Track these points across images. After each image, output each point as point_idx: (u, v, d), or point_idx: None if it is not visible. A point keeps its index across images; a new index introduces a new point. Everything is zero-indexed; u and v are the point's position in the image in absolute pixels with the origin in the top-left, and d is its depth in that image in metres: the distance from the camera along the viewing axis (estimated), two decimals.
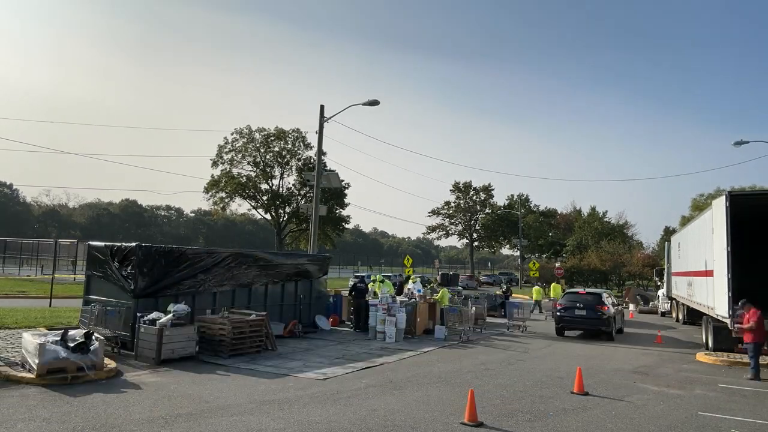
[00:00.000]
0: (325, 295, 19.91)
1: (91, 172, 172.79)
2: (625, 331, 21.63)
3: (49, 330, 12.04)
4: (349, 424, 7.64)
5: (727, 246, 13.67)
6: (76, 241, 41.40)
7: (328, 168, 46.56)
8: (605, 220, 68.66)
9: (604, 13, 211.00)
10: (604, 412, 8.82)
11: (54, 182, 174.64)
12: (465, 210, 76.91)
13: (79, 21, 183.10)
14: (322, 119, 24.44)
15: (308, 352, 13.71)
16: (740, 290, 13.76)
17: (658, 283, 35.51)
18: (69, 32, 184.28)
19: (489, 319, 22.51)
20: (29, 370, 9.54)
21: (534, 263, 47.89)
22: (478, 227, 77.83)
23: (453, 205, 77.02)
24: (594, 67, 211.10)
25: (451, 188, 77.08)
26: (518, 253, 69.34)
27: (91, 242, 15.03)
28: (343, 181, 53.37)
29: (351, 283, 20.99)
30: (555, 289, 30.91)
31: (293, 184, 56.29)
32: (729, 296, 13.67)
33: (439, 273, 54.56)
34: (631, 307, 34.08)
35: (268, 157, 55.04)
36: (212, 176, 54.44)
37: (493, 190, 76.74)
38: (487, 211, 77.34)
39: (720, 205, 14.32)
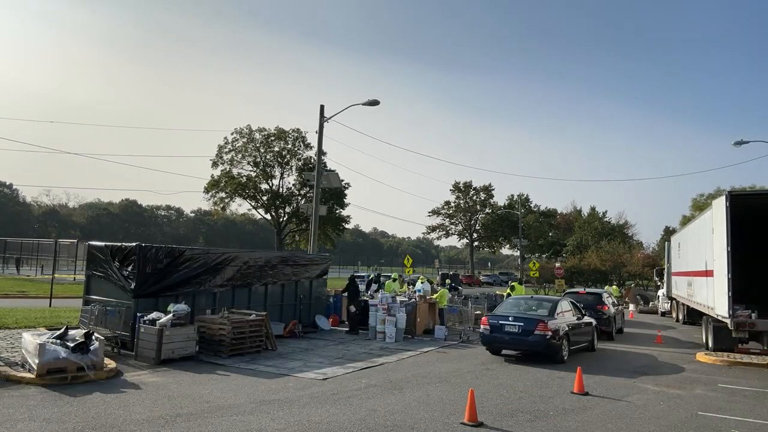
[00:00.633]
0: (325, 295, 19.91)
1: (91, 172, 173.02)
2: (625, 331, 21.62)
3: (49, 330, 12.04)
4: (349, 424, 7.64)
5: (727, 246, 13.67)
6: (76, 241, 41.42)
7: (328, 168, 46.57)
8: (605, 220, 68.69)
9: (604, 13, 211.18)
10: (604, 412, 8.82)
11: (54, 182, 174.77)
12: (465, 210, 76.96)
13: (79, 22, 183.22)
14: (322, 119, 24.44)
15: (308, 352, 13.71)
16: (740, 290, 13.77)
17: (658, 283, 35.52)
18: (69, 34, 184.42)
19: None
20: (29, 370, 9.54)
21: (534, 263, 47.88)
22: (478, 227, 77.89)
23: (453, 205, 77.07)
24: (594, 67, 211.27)
25: (451, 188, 77.21)
26: (518, 253, 69.33)
27: (91, 242, 15.03)
28: (343, 181, 53.40)
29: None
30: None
31: (293, 184, 56.35)
32: (729, 296, 13.67)
33: (439, 273, 54.59)
34: (631, 307, 34.09)
35: (268, 157, 55.06)
36: (212, 176, 54.50)
37: (493, 190, 76.88)
38: (487, 211, 77.43)
39: (720, 205, 14.32)
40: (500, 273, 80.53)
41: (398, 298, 18.88)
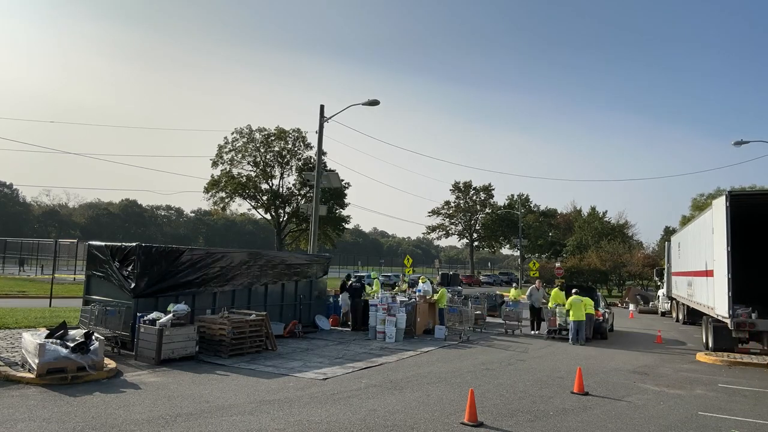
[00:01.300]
0: (325, 295, 19.91)
1: (91, 172, 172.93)
2: (625, 332, 21.62)
3: (48, 330, 12.04)
4: (349, 424, 7.63)
5: (728, 246, 13.68)
6: (76, 241, 41.43)
7: (328, 168, 46.55)
8: (605, 220, 68.61)
9: (603, 13, 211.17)
10: (604, 412, 8.82)
11: (54, 182, 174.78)
12: (465, 210, 76.95)
13: (80, 24, 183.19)
14: (322, 119, 24.43)
15: (308, 352, 13.71)
16: (740, 290, 13.77)
17: (658, 283, 35.52)
18: (70, 35, 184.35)
19: (489, 319, 22.51)
20: (29, 370, 9.54)
21: (534, 263, 47.85)
22: (478, 227, 77.89)
23: (453, 205, 77.06)
24: (594, 67, 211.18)
25: (451, 188, 77.21)
26: (518, 253, 69.30)
27: (91, 242, 15.02)
28: (343, 180, 53.40)
29: (352, 280, 20.90)
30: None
31: (293, 184, 56.37)
32: (729, 296, 13.68)
33: (439, 273, 54.57)
34: (631, 307, 34.08)
35: (268, 156, 55.07)
36: (212, 176, 54.52)
37: (493, 190, 76.88)
38: (487, 211, 77.43)
39: (720, 205, 14.32)
40: (500, 273, 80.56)
41: (398, 298, 18.88)
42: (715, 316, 15.31)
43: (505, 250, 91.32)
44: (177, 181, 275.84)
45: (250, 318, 13.23)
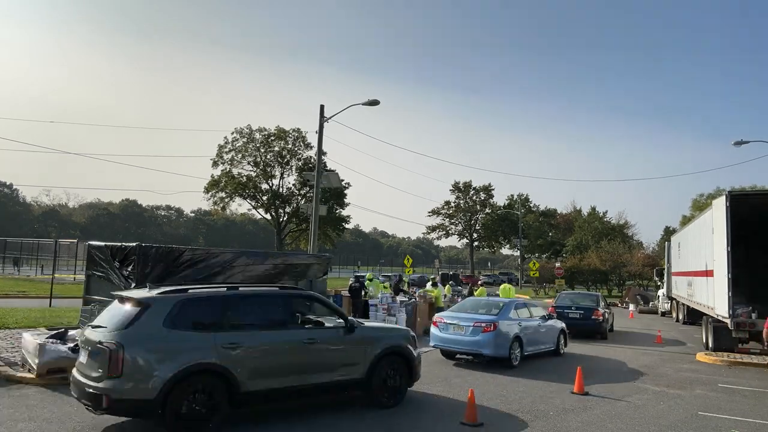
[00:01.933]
0: (326, 295, 19.88)
1: (91, 172, 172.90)
2: (625, 331, 21.62)
3: (49, 330, 12.03)
4: (349, 424, 7.64)
5: (728, 246, 13.68)
6: (76, 241, 41.42)
7: (328, 168, 46.55)
8: (605, 220, 68.65)
9: (603, 13, 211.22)
10: (604, 412, 8.82)
11: (54, 182, 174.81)
12: (465, 210, 76.93)
13: (80, 24, 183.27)
14: (322, 119, 24.43)
15: None
16: (740, 290, 13.77)
17: (658, 283, 35.52)
18: (70, 35, 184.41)
19: None
20: (29, 370, 9.54)
21: (534, 263, 47.91)
22: (478, 227, 77.86)
23: (453, 205, 77.04)
24: (594, 66, 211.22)
25: (451, 188, 77.16)
26: (518, 253, 69.33)
27: (91, 242, 15.02)
28: (343, 180, 53.39)
29: (351, 281, 21.01)
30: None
31: (293, 184, 56.40)
32: (729, 296, 13.68)
33: (439, 273, 54.58)
34: (631, 307, 34.09)
35: (268, 156, 55.09)
36: (212, 176, 54.55)
37: (493, 190, 76.84)
38: (487, 211, 77.39)
39: (720, 205, 14.32)
40: (500, 273, 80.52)
41: (398, 298, 18.89)
42: (715, 316, 15.31)
43: (505, 250, 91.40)
44: (177, 181, 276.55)
45: None
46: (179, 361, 6.43)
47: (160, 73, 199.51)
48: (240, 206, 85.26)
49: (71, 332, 10.28)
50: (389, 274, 55.61)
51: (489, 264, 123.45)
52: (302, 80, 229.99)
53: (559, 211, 78.04)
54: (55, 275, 24.88)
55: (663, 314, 31.04)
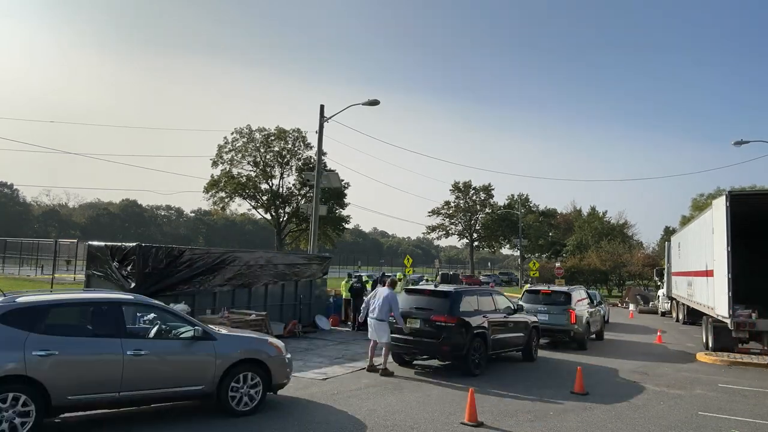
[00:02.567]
0: (325, 295, 19.90)
1: (91, 172, 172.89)
2: (625, 332, 21.61)
3: None
4: (349, 424, 7.64)
5: (728, 246, 13.67)
6: (76, 241, 41.41)
7: (328, 168, 46.52)
8: (605, 219, 68.64)
9: (603, 13, 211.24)
10: (604, 412, 8.82)
11: (54, 182, 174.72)
12: (465, 210, 76.89)
13: (80, 24, 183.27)
14: (322, 119, 24.42)
15: (308, 351, 13.71)
16: (740, 290, 13.76)
17: (658, 283, 35.51)
18: (70, 35, 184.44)
19: None
20: None
21: (534, 263, 47.86)
22: (478, 227, 77.82)
23: (453, 205, 77.00)
24: (594, 66, 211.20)
25: (451, 188, 77.10)
26: (518, 253, 69.30)
27: (90, 242, 15.03)
28: (343, 181, 53.36)
29: (346, 280, 20.94)
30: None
31: (293, 184, 56.34)
32: (729, 296, 13.67)
33: (439, 273, 54.55)
34: (631, 306, 34.09)
35: (268, 156, 55.05)
36: (212, 176, 54.49)
37: (493, 189, 76.79)
38: (487, 211, 77.34)
39: (720, 205, 14.31)
40: (500, 273, 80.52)
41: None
42: (715, 316, 15.30)
43: (505, 250, 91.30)
44: (177, 181, 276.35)
45: (250, 318, 13.24)
46: None
47: (160, 73, 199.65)
48: (240, 206, 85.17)
49: None
50: (389, 274, 55.53)
51: (489, 264, 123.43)
52: (302, 80, 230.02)
53: (559, 211, 78.08)
54: (55, 275, 24.87)
55: (663, 314, 31.04)
